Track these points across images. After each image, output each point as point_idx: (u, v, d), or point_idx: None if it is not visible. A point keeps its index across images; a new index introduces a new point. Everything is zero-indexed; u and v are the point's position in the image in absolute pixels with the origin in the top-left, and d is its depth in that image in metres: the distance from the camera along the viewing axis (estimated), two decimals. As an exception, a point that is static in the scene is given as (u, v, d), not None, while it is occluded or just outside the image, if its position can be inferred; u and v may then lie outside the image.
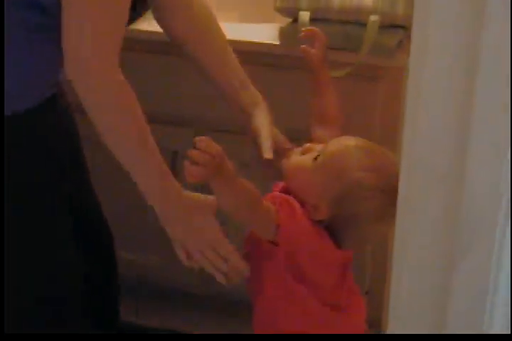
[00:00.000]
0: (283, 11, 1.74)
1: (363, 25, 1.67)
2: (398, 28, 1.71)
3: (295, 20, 1.73)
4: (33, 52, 1.30)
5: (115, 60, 1.24)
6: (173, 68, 1.84)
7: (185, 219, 1.34)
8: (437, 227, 0.76)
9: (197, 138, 1.17)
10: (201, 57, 1.47)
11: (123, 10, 1.26)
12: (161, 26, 1.49)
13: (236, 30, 1.71)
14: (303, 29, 1.48)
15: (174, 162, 1.70)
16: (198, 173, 1.17)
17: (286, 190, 1.36)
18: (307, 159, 1.32)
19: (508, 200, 0.70)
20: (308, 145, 1.34)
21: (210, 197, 1.33)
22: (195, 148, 1.17)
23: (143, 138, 1.28)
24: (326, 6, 1.69)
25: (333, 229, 1.31)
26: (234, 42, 1.52)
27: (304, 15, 1.69)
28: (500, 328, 0.78)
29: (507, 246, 0.74)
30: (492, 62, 0.69)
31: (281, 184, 1.39)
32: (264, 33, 1.79)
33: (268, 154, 1.36)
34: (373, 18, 1.66)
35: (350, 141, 1.32)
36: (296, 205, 1.30)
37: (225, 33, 1.49)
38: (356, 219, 1.29)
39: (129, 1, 1.25)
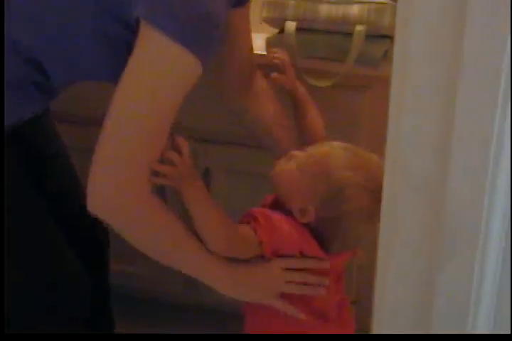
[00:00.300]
0: (269, 21, 1.75)
1: (349, 35, 1.67)
2: (384, 37, 1.71)
3: (281, 30, 1.74)
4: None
5: (145, 190, 1.18)
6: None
7: (244, 278, 1.32)
8: (421, 233, 0.77)
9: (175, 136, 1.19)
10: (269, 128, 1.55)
11: (159, 142, 1.18)
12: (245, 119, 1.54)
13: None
14: (273, 60, 1.52)
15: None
16: (165, 171, 1.19)
17: (274, 204, 1.36)
18: (292, 164, 1.33)
19: (489, 205, 0.71)
20: (291, 152, 1.35)
21: None
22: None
23: (179, 242, 1.27)
24: (312, 16, 1.70)
25: (321, 234, 1.31)
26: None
27: (290, 26, 1.70)
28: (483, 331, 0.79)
29: (490, 251, 0.75)
30: (474, 71, 0.70)
31: (269, 198, 1.39)
32: (251, 43, 1.79)
33: None
34: (359, 28, 1.66)
35: (333, 143, 1.34)
36: (275, 216, 1.29)
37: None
38: (345, 219, 1.29)
39: (166, 135, 1.18)
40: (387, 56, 1.70)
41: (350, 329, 1.43)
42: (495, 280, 0.75)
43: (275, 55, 1.52)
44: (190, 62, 1.13)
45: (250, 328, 1.41)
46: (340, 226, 1.30)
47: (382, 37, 1.71)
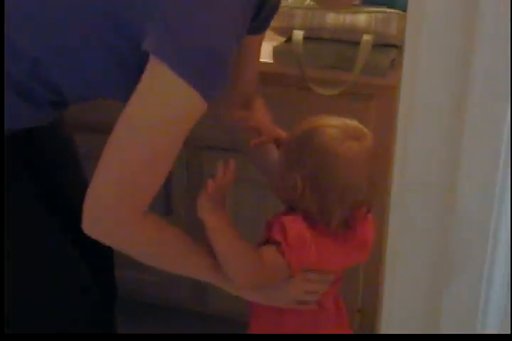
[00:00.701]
0: (277, 30, 1.76)
1: (357, 44, 1.68)
2: (391, 47, 1.72)
3: (289, 39, 1.75)
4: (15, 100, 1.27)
5: (139, 216, 1.18)
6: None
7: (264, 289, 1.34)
8: (429, 248, 0.77)
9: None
10: None
11: (163, 171, 1.18)
12: None
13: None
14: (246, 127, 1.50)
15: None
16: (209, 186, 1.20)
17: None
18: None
19: (497, 221, 0.71)
20: None
21: None
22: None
23: (188, 257, 1.28)
24: (319, 26, 1.70)
25: (328, 207, 1.26)
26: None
27: (298, 35, 1.71)
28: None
29: (497, 266, 0.75)
30: (484, 80, 0.70)
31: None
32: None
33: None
34: (366, 37, 1.67)
35: None
36: (302, 232, 1.26)
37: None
38: (323, 165, 1.24)
39: (170, 163, 1.18)
40: (393, 65, 1.71)
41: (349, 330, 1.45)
42: (502, 291, 0.75)
43: (247, 122, 1.50)
44: (194, 97, 1.13)
45: (257, 330, 1.42)
46: (336, 182, 1.24)
47: (389, 46, 1.72)
